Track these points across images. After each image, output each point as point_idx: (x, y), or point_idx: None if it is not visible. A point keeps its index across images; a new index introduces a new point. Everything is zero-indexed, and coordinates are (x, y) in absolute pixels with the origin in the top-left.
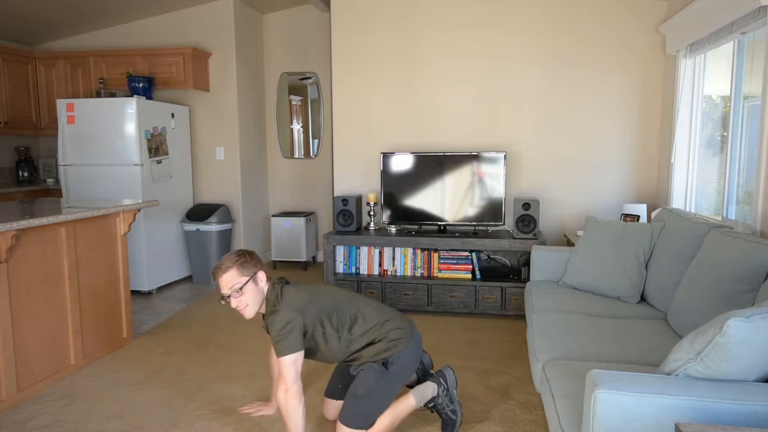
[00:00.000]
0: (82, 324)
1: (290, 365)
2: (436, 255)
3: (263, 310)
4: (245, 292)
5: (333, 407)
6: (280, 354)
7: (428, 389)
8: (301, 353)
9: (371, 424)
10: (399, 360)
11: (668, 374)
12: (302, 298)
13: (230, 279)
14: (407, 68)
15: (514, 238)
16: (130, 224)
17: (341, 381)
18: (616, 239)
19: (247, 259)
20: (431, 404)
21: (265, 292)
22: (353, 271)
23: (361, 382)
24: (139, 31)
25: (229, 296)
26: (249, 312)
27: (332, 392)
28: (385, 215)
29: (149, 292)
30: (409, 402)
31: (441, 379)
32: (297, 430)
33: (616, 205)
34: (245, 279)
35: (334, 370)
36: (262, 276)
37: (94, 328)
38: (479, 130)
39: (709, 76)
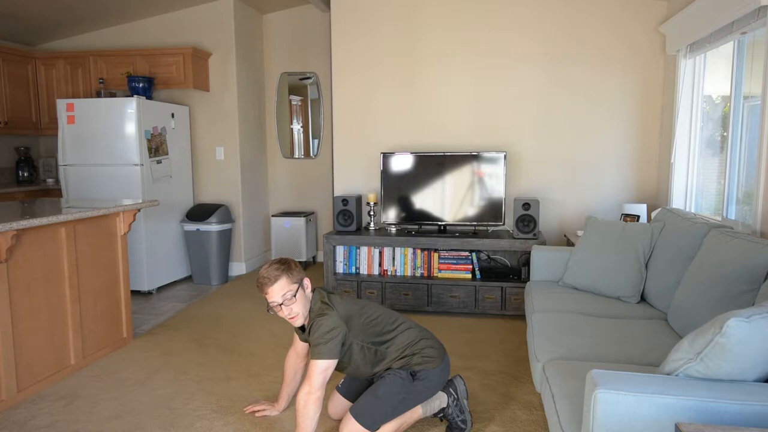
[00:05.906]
0: (82, 324)
1: (322, 371)
2: (436, 255)
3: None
4: (298, 299)
5: (340, 405)
6: (316, 357)
7: (436, 400)
8: (335, 362)
9: (377, 428)
10: (426, 377)
11: (668, 374)
12: (350, 309)
13: (281, 287)
14: (407, 68)
15: (514, 238)
16: (130, 224)
17: (359, 382)
18: (616, 239)
19: (292, 267)
20: (441, 414)
21: (311, 298)
22: (353, 271)
23: (384, 384)
24: (139, 31)
25: (280, 304)
26: (299, 320)
27: (347, 390)
28: (385, 215)
29: (149, 292)
30: (415, 411)
31: (451, 389)
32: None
33: (616, 205)
34: (296, 286)
35: None
36: (308, 282)
37: (94, 328)
38: (479, 130)
39: (709, 76)
